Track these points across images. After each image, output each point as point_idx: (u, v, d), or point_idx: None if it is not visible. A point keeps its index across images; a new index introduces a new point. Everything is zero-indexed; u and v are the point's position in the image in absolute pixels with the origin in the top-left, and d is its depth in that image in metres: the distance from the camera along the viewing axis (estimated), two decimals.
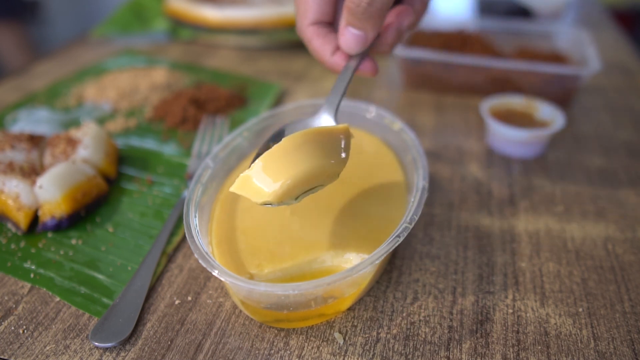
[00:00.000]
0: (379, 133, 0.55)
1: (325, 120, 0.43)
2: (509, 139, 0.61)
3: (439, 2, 1.25)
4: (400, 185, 0.48)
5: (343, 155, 0.38)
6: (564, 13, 1.09)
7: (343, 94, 0.43)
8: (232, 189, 0.37)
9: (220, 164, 0.49)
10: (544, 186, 0.58)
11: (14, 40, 1.72)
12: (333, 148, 0.38)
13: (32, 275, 0.46)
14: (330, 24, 0.44)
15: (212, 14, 0.96)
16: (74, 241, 0.50)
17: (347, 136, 0.39)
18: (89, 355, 0.39)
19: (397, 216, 0.44)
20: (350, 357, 0.39)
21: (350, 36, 0.41)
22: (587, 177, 0.59)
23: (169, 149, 0.65)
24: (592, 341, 0.40)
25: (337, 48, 0.43)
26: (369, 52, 0.44)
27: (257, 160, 0.36)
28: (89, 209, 0.53)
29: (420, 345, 0.40)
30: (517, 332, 0.41)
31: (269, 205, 0.37)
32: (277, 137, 0.42)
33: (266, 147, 0.40)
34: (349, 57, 0.43)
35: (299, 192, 0.37)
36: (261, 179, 0.35)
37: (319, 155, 0.36)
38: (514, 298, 0.44)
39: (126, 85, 0.79)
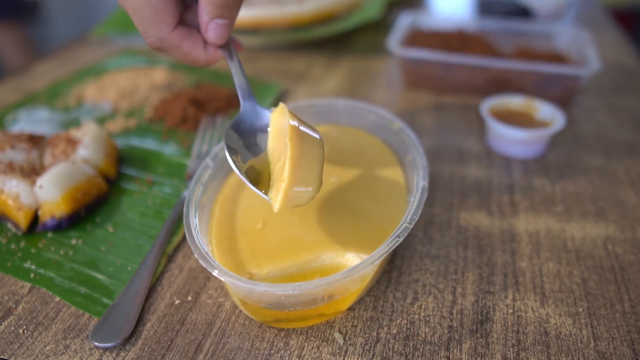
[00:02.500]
0: (379, 133, 0.55)
1: (256, 107, 0.45)
2: (509, 139, 0.61)
3: (439, 2, 1.25)
4: (400, 185, 0.48)
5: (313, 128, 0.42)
6: (564, 13, 1.09)
7: (247, 80, 0.45)
8: (278, 209, 0.38)
9: (220, 164, 0.49)
10: (544, 186, 0.58)
11: (14, 40, 1.72)
12: (308, 127, 0.42)
13: (32, 275, 0.46)
14: (182, 22, 0.44)
15: None
16: (74, 241, 0.50)
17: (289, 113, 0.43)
18: (89, 355, 0.39)
19: (397, 216, 0.44)
20: (350, 357, 0.39)
21: (218, 28, 0.41)
22: (587, 177, 0.59)
23: (169, 149, 0.65)
24: (592, 341, 0.40)
25: (205, 43, 0.43)
26: None
27: (287, 172, 0.37)
28: (89, 209, 0.53)
29: (420, 345, 0.40)
30: (517, 332, 0.41)
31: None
32: (233, 148, 0.43)
33: (241, 164, 0.42)
34: (219, 46, 0.44)
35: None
36: (302, 183, 0.38)
37: (314, 136, 0.41)
38: (514, 298, 0.44)
39: (126, 85, 0.79)
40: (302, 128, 0.40)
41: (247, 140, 0.43)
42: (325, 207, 0.46)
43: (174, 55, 0.43)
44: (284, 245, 0.43)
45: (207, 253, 0.38)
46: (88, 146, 0.56)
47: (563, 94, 0.73)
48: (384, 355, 0.39)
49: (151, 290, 0.45)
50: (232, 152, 0.41)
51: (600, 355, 0.39)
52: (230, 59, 0.45)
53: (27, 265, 0.48)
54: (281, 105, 0.43)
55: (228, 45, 0.45)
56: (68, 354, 0.39)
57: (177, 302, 0.44)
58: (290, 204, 0.38)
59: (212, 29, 0.41)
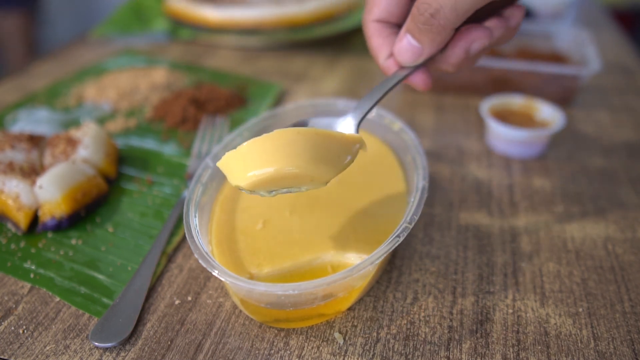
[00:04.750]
0: (379, 133, 0.55)
1: (347, 124, 0.40)
2: (509, 139, 0.61)
3: None
4: (400, 185, 0.48)
5: (337, 164, 0.36)
6: (564, 13, 1.09)
7: (376, 102, 0.40)
8: (218, 163, 0.36)
9: None
10: (544, 186, 0.58)
11: (17, 28, 1.78)
12: (327, 155, 0.35)
13: (32, 275, 0.46)
14: (398, 25, 0.41)
15: (212, 14, 0.96)
16: (74, 241, 0.50)
17: (352, 146, 0.37)
18: (89, 355, 0.39)
19: (397, 216, 0.44)
20: (350, 357, 0.39)
21: (406, 45, 0.38)
22: (587, 177, 0.59)
23: (169, 149, 0.65)
24: (592, 341, 0.40)
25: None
26: (428, 65, 0.41)
27: (244, 143, 0.35)
28: (89, 209, 0.53)
29: (420, 345, 0.40)
30: (517, 332, 0.41)
31: (244, 190, 0.36)
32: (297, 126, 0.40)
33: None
34: (400, 65, 0.40)
35: (272, 188, 0.36)
36: (239, 164, 0.35)
37: (305, 158, 0.34)
38: (514, 298, 0.44)
39: (126, 85, 0.79)
40: (316, 140, 0.35)
41: None
42: (325, 207, 0.46)
43: (367, 44, 0.42)
44: (284, 245, 0.43)
45: (207, 253, 0.38)
46: (88, 146, 0.56)
47: (563, 94, 0.73)
48: (384, 355, 0.39)
49: (151, 290, 0.45)
50: None
51: (600, 355, 0.39)
52: (392, 80, 0.40)
53: (27, 265, 0.48)
54: (356, 135, 0.38)
55: (409, 72, 0.40)
56: (68, 354, 0.39)
57: (177, 302, 0.44)
58: (225, 171, 0.36)
59: (400, 41, 0.38)
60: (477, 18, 0.37)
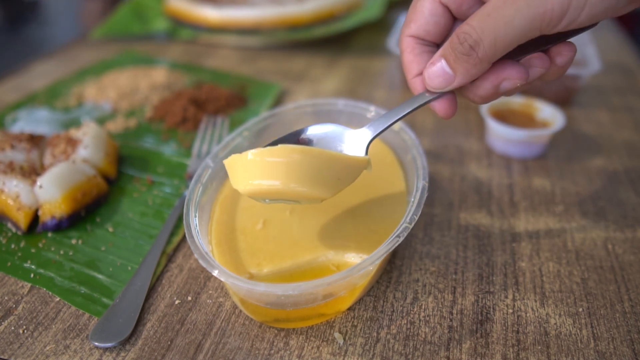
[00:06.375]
0: None
1: (360, 138, 0.40)
2: (509, 139, 0.61)
3: None
4: (400, 185, 0.48)
5: (337, 186, 0.38)
6: None
7: (394, 122, 0.40)
8: (225, 161, 0.38)
9: (221, 164, 0.49)
10: (544, 186, 0.58)
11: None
12: (329, 177, 0.37)
13: (32, 275, 0.46)
14: (433, 44, 0.40)
15: (212, 14, 0.97)
16: (74, 241, 0.50)
17: (356, 170, 0.38)
18: (89, 355, 0.39)
19: (397, 216, 0.44)
20: (350, 357, 0.39)
21: (438, 70, 0.36)
22: (587, 177, 0.59)
23: (169, 149, 0.65)
24: (592, 341, 0.40)
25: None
26: (455, 91, 0.39)
27: (252, 150, 0.36)
28: (89, 209, 0.53)
29: (420, 345, 0.40)
30: (517, 332, 0.41)
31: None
32: (295, 135, 0.41)
33: (287, 139, 0.41)
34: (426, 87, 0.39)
35: (271, 198, 0.38)
36: (245, 170, 0.36)
37: (308, 178, 0.36)
38: (514, 298, 0.44)
39: (126, 85, 0.79)
40: (316, 162, 0.36)
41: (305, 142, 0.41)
42: (325, 207, 0.46)
43: (400, 56, 0.40)
44: (284, 245, 0.43)
45: (207, 253, 0.38)
46: (88, 146, 0.56)
47: (563, 94, 0.73)
48: (384, 355, 0.39)
49: (151, 290, 0.45)
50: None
51: (600, 355, 0.39)
52: (416, 101, 0.39)
53: (27, 265, 0.48)
54: (362, 158, 0.39)
55: (436, 96, 0.38)
56: (68, 354, 0.39)
57: (177, 302, 0.44)
58: (230, 170, 0.38)
59: (432, 64, 0.36)
60: (521, 52, 0.36)
